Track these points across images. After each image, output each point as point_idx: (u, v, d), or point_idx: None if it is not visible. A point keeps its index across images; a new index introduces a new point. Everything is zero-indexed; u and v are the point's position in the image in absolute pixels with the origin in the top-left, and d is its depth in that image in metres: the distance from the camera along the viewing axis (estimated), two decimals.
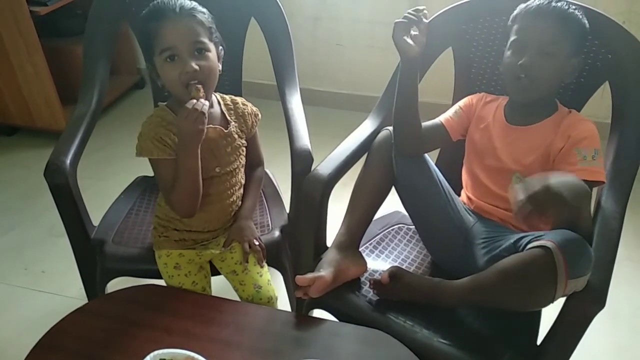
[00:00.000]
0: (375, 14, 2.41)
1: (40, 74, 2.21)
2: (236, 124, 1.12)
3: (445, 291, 0.99)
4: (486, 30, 1.23)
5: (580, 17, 1.02)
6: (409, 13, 1.04)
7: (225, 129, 1.09)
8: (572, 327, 0.90)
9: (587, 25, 1.03)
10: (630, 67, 1.08)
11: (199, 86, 0.98)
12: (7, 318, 1.55)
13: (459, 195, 1.21)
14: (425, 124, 1.16)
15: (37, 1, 2.14)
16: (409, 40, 1.05)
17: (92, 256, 1.23)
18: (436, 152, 1.34)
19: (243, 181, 1.18)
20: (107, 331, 0.97)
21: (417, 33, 1.06)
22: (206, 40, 1.00)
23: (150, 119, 1.05)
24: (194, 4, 1.02)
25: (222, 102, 1.13)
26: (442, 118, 1.19)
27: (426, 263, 1.20)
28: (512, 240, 0.97)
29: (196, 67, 0.97)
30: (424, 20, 1.07)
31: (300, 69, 1.46)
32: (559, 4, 1.01)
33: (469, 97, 1.21)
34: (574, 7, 1.02)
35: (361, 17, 2.44)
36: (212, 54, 1.01)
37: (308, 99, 1.51)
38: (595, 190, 1.00)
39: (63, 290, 1.64)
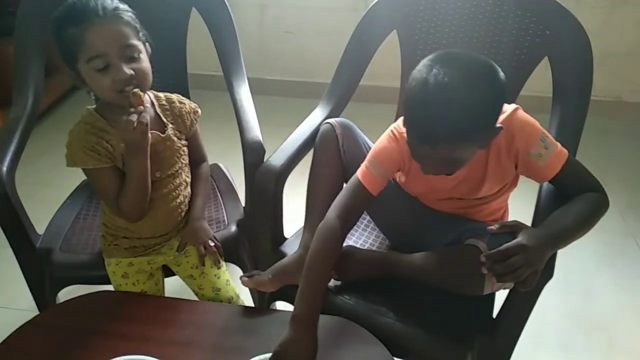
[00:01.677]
0: (322, 0, 2.39)
1: None
2: (173, 126, 1.06)
3: (395, 262, 1.03)
4: (429, 10, 1.24)
5: (483, 113, 0.82)
6: None
7: (162, 133, 1.03)
8: (524, 298, 0.93)
9: (496, 107, 0.84)
10: (568, 42, 1.10)
11: (136, 90, 0.91)
12: None
13: None
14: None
15: None
16: None
17: (39, 266, 1.18)
18: None
19: (188, 179, 1.13)
20: (59, 343, 0.93)
21: None
22: (136, 41, 0.93)
23: (78, 126, 0.98)
24: (115, 1, 0.93)
25: (156, 103, 1.05)
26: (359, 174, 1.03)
27: (384, 247, 1.20)
28: (456, 233, 0.99)
29: (131, 72, 0.91)
30: None
31: (248, 59, 1.43)
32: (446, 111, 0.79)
33: (390, 150, 1.01)
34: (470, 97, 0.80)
35: (308, 4, 2.42)
36: (144, 55, 0.95)
37: (258, 89, 1.49)
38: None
39: (12, 303, 1.56)
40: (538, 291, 0.91)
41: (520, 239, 0.85)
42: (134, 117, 0.90)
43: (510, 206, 1.15)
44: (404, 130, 0.93)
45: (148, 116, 0.93)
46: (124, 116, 0.91)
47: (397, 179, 1.13)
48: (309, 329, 0.89)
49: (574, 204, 0.94)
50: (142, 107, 0.91)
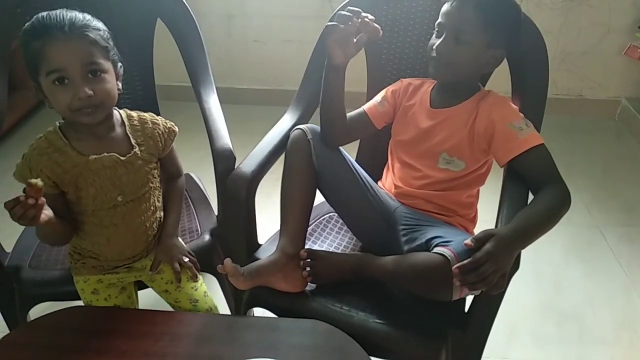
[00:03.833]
0: (288, 8, 2.42)
1: None
2: (143, 147, 1.01)
3: (367, 266, 1.06)
4: (391, 16, 1.27)
5: (508, 11, 1.03)
6: (342, 14, 0.98)
7: (123, 156, 0.98)
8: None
9: (516, 20, 1.04)
10: (525, 43, 1.14)
11: (38, 182, 0.82)
12: None
13: (378, 181, 1.25)
14: (349, 114, 1.18)
15: None
16: (338, 48, 1.02)
17: (8, 284, 1.15)
18: (357, 141, 1.36)
19: (159, 203, 1.09)
20: None
21: (360, 37, 1.01)
22: (101, 60, 0.89)
23: (38, 142, 0.94)
24: (87, 18, 0.90)
25: (127, 123, 1.00)
26: (366, 107, 1.20)
27: (358, 249, 1.22)
28: (424, 240, 1.01)
29: (90, 92, 0.87)
30: (368, 22, 1.00)
31: (218, 68, 1.44)
32: None
33: (395, 85, 1.22)
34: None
35: (275, 12, 2.45)
36: (109, 75, 0.91)
37: (229, 98, 1.50)
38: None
39: None
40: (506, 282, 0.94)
41: (488, 246, 0.87)
42: (18, 211, 0.81)
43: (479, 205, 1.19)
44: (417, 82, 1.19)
45: (34, 212, 0.83)
46: (11, 204, 0.81)
47: (399, 129, 1.18)
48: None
49: (539, 201, 0.98)
50: (32, 200, 0.81)
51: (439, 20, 1.05)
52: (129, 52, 1.30)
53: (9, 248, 1.23)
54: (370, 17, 1.02)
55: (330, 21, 1.02)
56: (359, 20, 1.00)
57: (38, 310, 1.15)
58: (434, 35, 1.07)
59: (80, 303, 1.10)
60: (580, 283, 1.68)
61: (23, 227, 1.29)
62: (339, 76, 1.08)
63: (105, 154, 0.96)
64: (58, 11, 0.88)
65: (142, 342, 0.95)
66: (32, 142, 0.96)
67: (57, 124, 0.98)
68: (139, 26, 1.37)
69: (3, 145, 2.29)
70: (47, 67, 0.87)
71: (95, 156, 0.95)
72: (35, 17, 0.88)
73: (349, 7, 1.00)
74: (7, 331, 1.21)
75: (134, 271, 1.09)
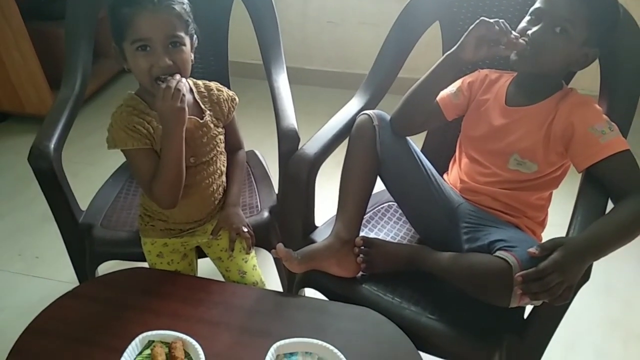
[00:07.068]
0: None
1: (27, 58, 2.19)
2: (211, 112, 1.06)
3: (423, 259, 1.04)
4: (473, 3, 1.21)
5: (612, 11, 0.96)
6: (500, 22, 0.93)
7: (201, 119, 1.04)
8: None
9: (616, 21, 0.97)
10: (621, 39, 1.05)
11: (177, 75, 0.94)
12: (2, 304, 1.56)
13: (443, 174, 1.21)
14: None
15: None
16: (474, 44, 0.95)
17: (80, 240, 1.23)
18: (424, 133, 1.32)
19: (224, 168, 1.14)
20: (95, 314, 0.97)
21: (499, 48, 0.95)
22: (182, 33, 0.94)
23: (120, 109, 1.00)
24: None
25: (195, 90, 1.06)
26: (438, 96, 1.15)
27: (415, 241, 1.19)
28: (487, 241, 0.96)
29: (170, 62, 0.93)
30: (516, 42, 0.95)
31: (291, 48, 1.44)
32: None
33: (472, 76, 1.16)
34: None
35: None
36: (187, 47, 0.96)
37: (299, 78, 1.50)
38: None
39: (57, 275, 1.64)
40: (572, 294, 0.88)
41: (556, 255, 0.82)
42: (173, 83, 0.91)
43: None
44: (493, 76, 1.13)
45: (183, 85, 0.93)
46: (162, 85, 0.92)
47: (470, 122, 1.14)
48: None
49: (618, 211, 0.92)
50: (178, 75, 0.93)
51: (538, 5, 0.98)
52: (205, 26, 1.32)
53: (84, 206, 1.30)
54: (522, 40, 0.96)
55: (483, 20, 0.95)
56: (512, 36, 0.94)
57: (106, 267, 1.22)
58: (524, 21, 1.00)
59: (144, 264, 1.16)
60: None
61: (98, 188, 1.37)
62: (454, 69, 1.02)
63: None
64: None
65: (197, 308, 0.98)
66: (114, 111, 1.01)
67: (132, 92, 1.03)
68: (218, 3, 1.40)
69: (84, 110, 2.44)
70: (133, 35, 0.92)
71: None
72: None
73: (504, 22, 0.94)
74: (78, 283, 1.31)
75: (196, 236, 1.14)
